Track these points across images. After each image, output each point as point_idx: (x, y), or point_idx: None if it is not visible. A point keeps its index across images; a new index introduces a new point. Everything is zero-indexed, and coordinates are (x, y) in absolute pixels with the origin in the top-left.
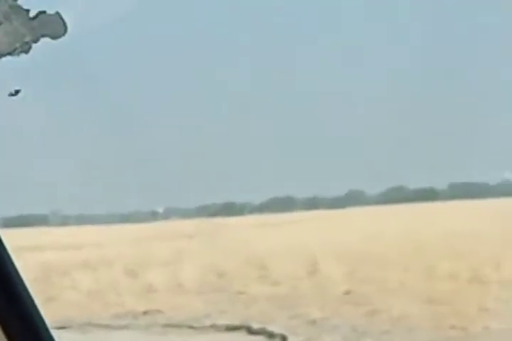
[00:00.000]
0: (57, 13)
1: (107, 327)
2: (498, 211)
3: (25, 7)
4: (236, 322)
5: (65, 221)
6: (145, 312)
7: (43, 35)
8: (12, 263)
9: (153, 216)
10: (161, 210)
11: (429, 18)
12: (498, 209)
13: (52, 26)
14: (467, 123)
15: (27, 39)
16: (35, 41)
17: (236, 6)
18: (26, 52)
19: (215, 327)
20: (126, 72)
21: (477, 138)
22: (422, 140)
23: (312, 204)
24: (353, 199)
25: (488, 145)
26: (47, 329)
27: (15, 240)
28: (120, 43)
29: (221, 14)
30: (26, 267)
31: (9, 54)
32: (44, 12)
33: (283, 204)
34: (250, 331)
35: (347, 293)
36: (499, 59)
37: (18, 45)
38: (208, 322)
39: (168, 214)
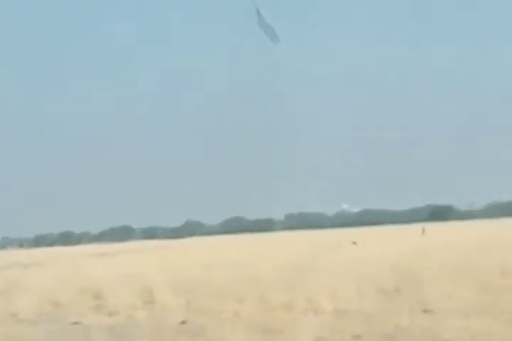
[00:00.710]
0: None
1: None
2: (334, 241)
3: None
4: None
5: None
6: None
7: None
8: None
9: None
10: None
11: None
12: (334, 239)
13: None
14: (306, 159)
15: None
16: None
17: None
18: None
19: None
20: None
21: (315, 171)
22: (260, 172)
23: (150, 234)
24: (191, 229)
25: (325, 178)
26: None
27: None
28: None
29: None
30: None
31: None
32: None
33: (121, 234)
34: None
35: (183, 323)
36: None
37: None
38: None
39: (5, 243)
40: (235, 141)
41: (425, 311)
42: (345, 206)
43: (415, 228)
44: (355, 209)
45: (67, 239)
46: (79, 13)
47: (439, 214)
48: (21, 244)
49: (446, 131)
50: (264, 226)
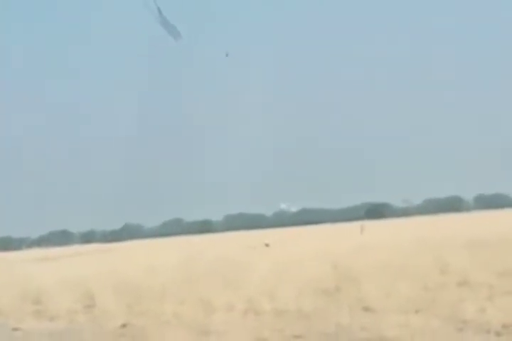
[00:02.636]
0: None
1: None
2: (273, 241)
3: None
4: None
5: None
6: None
7: None
8: None
9: None
10: None
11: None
12: (273, 239)
13: None
14: (241, 159)
15: None
16: None
17: None
18: None
19: None
20: None
21: (252, 171)
22: (197, 173)
23: (89, 237)
24: (130, 232)
25: (262, 178)
26: None
27: None
28: None
29: None
30: None
31: None
32: None
33: (60, 238)
34: None
35: (123, 326)
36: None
37: None
38: None
39: None
40: (169, 142)
41: (365, 309)
42: (283, 206)
43: (353, 226)
44: (294, 209)
45: (6, 244)
46: None
47: (377, 211)
48: None
49: (380, 129)
50: (203, 227)
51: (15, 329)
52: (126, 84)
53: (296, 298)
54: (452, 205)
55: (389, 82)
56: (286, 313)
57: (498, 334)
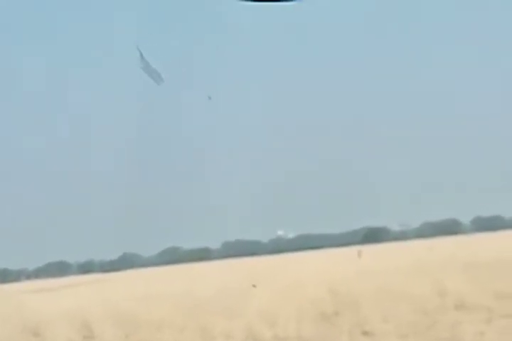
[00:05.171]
0: None
1: None
2: (270, 268)
3: None
4: None
5: None
6: None
7: None
8: None
9: None
10: None
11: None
12: (269, 265)
13: None
14: (237, 186)
15: None
16: None
17: None
18: None
19: None
20: None
21: (248, 197)
22: (193, 200)
23: (87, 268)
24: (128, 261)
25: (260, 204)
26: None
27: None
28: None
29: None
30: None
31: None
32: None
33: (58, 269)
34: None
35: None
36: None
37: None
38: None
39: None
40: (164, 172)
41: (364, 333)
42: (280, 232)
43: (351, 251)
44: (291, 235)
45: (3, 276)
46: None
47: (374, 235)
48: None
49: (377, 154)
50: (201, 255)
51: None
52: (112, 119)
53: (295, 323)
54: (450, 228)
55: (385, 111)
56: (286, 340)
57: None
